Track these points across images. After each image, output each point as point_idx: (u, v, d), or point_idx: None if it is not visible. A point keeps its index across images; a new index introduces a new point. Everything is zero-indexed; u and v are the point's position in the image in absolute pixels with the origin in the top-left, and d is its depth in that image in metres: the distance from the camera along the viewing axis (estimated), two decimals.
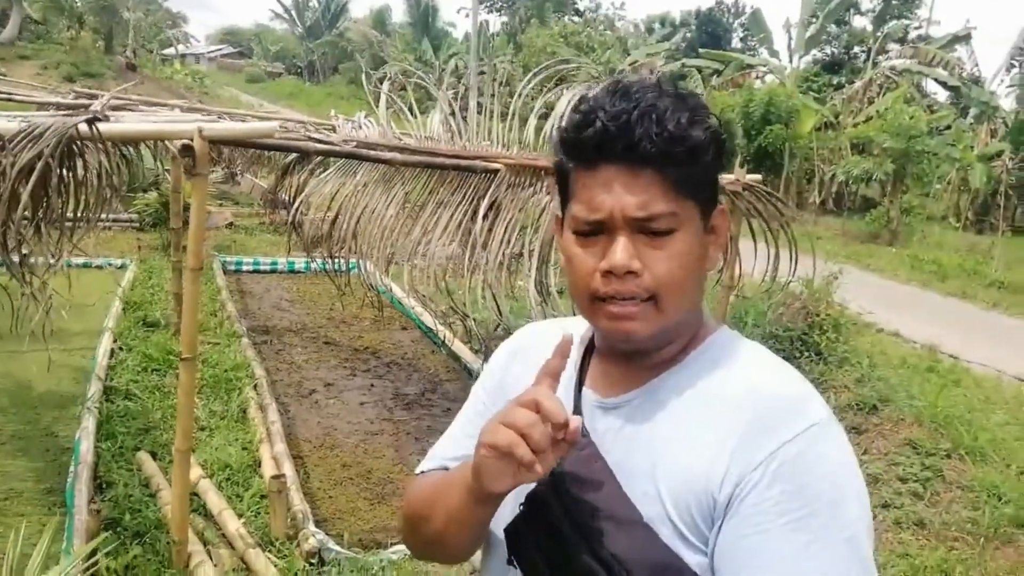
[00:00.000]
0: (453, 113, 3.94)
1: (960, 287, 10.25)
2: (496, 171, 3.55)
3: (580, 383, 0.88)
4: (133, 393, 4.21)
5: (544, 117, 3.69)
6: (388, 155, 3.54)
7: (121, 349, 4.88)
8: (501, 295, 3.50)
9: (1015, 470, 4.09)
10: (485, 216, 3.50)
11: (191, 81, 23.52)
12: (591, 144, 0.77)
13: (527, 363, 0.92)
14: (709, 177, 0.80)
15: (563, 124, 0.83)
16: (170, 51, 31.23)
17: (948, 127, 16.19)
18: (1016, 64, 18.10)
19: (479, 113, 3.96)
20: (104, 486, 3.24)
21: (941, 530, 3.52)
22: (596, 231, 0.79)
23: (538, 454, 0.72)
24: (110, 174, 2.74)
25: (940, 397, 4.92)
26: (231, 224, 9.46)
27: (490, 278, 3.37)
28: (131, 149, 3.15)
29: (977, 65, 21.63)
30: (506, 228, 3.43)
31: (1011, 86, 18.26)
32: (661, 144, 0.75)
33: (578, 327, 0.91)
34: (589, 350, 0.90)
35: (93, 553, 2.35)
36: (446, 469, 0.92)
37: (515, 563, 0.84)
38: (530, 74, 3.96)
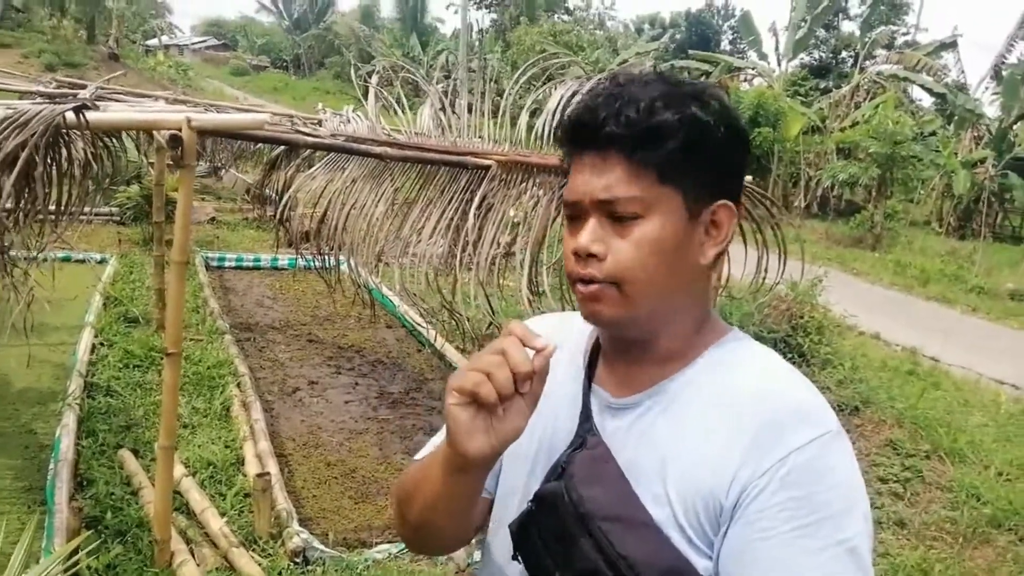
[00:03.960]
0: (443, 108, 3.91)
1: (941, 292, 10.41)
2: (487, 167, 3.53)
3: (589, 382, 0.87)
4: (114, 390, 4.15)
5: (534, 114, 3.67)
6: (378, 149, 3.50)
7: (102, 345, 4.80)
8: (494, 294, 3.48)
9: (993, 471, 4.16)
10: (476, 213, 3.48)
11: (175, 73, 23.17)
12: (567, 131, 0.81)
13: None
14: (695, 164, 0.77)
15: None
16: (153, 42, 30.76)
17: (933, 133, 16.41)
18: (1000, 72, 18.39)
19: (469, 112, 3.94)
20: (85, 484, 3.19)
21: (921, 530, 3.58)
22: (578, 215, 0.80)
23: (503, 399, 0.72)
24: (93, 166, 2.69)
25: (920, 399, 4.99)
26: (213, 219, 9.35)
27: (481, 276, 3.35)
28: (115, 140, 3.09)
29: (963, 72, 21.98)
30: (497, 226, 3.41)
31: (995, 93, 18.53)
32: (622, 126, 0.75)
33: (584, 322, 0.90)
34: (597, 349, 0.89)
35: (74, 552, 2.31)
36: None
37: (519, 559, 0.84)
38: (519, 70, 3.94)
